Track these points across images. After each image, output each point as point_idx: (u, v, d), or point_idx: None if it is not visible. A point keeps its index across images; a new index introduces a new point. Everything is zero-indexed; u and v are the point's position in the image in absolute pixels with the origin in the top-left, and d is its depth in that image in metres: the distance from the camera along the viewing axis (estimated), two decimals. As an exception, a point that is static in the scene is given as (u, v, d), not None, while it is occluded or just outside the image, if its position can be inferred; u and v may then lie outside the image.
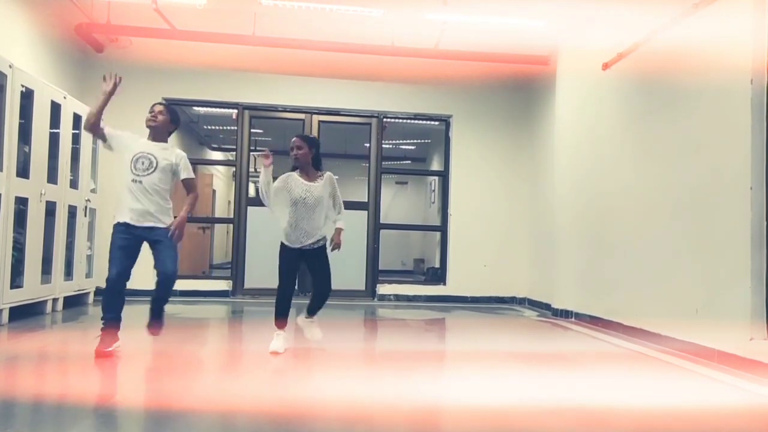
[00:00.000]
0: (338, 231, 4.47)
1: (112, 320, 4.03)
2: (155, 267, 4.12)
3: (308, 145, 4.44)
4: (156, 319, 4.23)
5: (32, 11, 6.30)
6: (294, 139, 4.47)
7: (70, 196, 6.34)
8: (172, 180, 4.23)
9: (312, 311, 4.56)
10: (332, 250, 4.41)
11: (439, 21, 6.80)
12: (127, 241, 4.04)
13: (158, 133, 4.26)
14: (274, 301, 4.34)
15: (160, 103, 4.36)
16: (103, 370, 3.79)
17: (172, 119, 4.34)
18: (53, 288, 6.00)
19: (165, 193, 4.18)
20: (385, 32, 7.31)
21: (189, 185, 4.32)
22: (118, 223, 4.06)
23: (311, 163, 4.46)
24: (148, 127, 4.26)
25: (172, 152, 4.26)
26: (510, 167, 8.61)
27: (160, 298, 4.22)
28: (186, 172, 4.27)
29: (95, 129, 4.14)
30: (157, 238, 4.08)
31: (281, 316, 4.30)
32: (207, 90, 8.11)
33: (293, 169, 4.47)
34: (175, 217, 4.15)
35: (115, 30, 7.29)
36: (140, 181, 4.07)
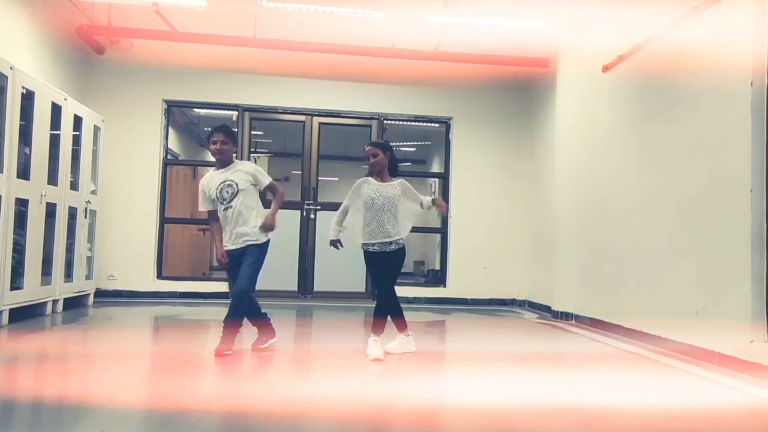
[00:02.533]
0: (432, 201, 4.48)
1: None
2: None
3: (383, 150, 4.51)
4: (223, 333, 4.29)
5: (33, 13, 6.31)
6: (367, 147, 4.54)
7: (71, 198, 6.34)
8: (256, 193, 4.36)
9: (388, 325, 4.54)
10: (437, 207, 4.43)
11: (439, 23, 6.81)
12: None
13: (226, 161, 4.38)
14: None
15: (219, 131, 4.37)
16: (103, 372, 3.79)
17: (234, 142, 4.44)
18: (53, 289, 6.00)
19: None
20: (385, 34, 7.32)
21: (272, 188, 4.45)
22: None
23: (387, 169, 4.52)
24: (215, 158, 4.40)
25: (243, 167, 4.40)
26: (510, 169, 8.62)
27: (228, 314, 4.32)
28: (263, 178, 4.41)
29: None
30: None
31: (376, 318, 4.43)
32: (207, 92, 8.13)
33: (368, 174, 4.57)
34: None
35: (116, 32, 7.30)
36: (230, 207, 4.26)
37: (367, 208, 4.40)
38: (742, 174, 4.11)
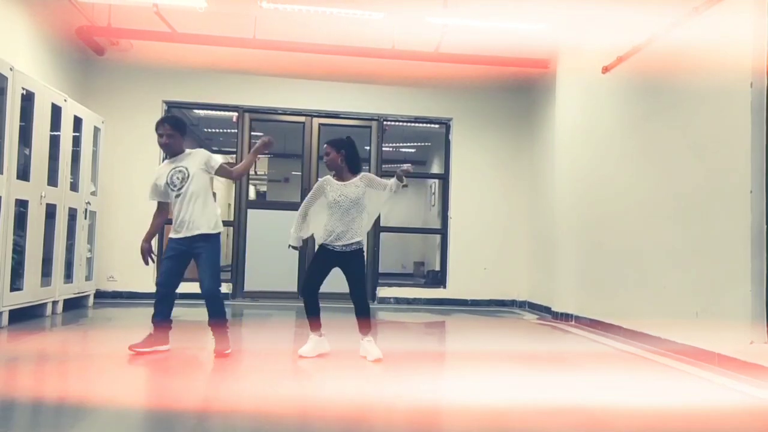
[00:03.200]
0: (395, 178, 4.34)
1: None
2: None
3: (335, 149, 4.45)
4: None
5: (33, 14, 6.31)
6: (324, 145, 4.50)
7: (71, 199, 6.35)
8: (209, 181, 4.35)
9: (360, 327, 4.37)
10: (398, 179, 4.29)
11: (439, 24, 6.81)
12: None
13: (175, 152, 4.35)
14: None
15: (164, 123, 4.33)
16: (103, 372, 3.79)
17: (182, 133, 4.39)
18: (53, 290, 6.00)
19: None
20: (385, 35, 7.32)
21: (224, 170, 4.44)
22: None
23: (346, 167, 4.45)
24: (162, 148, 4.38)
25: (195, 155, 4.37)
26: (510, 170, 8.62)
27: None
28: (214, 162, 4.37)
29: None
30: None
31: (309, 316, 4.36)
32: (207, 93, 8.13)
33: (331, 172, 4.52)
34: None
35: (116, 33, 7.31)
36: (180, 193, 4.22)
37: (332, 211, 4.33)
38: (741, 175, 4.12)
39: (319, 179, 4.50)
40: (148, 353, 4.11)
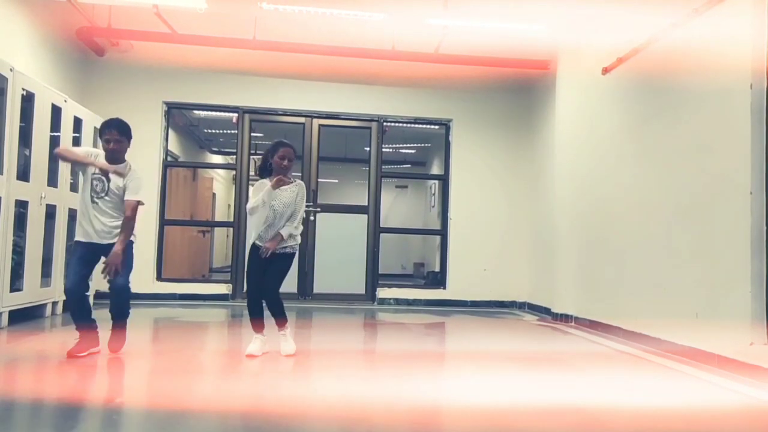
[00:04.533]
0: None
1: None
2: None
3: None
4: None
5: (33, 14, 6.31)
6: (288, 149, 4.40)
7: (71, 200, 6.34)
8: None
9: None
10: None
11: (439, 25, 6.81)
12: None
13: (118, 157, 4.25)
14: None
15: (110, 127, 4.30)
16: (103, 372, 3.78)
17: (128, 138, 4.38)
18: (53, 291, 6.00)
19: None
20: (385, 36, 7.32)
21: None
22: None
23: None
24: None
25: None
26: (510, 171, 8.62)
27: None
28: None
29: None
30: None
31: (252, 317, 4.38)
32: (207, 93, 8.13)
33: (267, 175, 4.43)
34: None
35: (116, 34, 7.31)
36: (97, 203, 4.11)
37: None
38: (741, 176, 4.12)
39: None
40: (82, 357, 4.03)
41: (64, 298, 6.24)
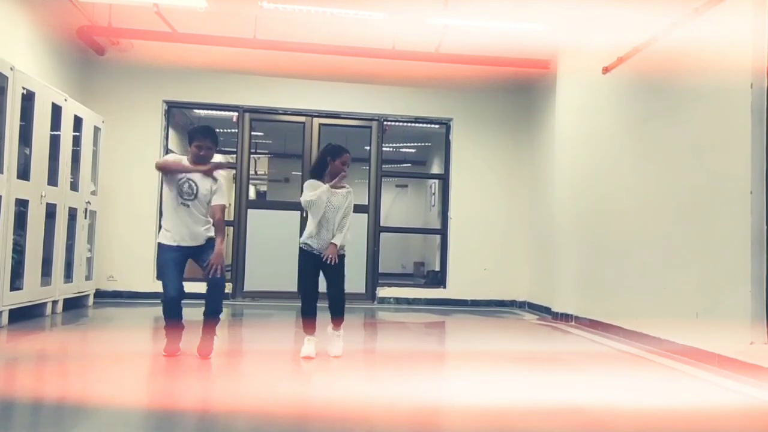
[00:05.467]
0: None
1: None
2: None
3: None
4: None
5: (34, 13, 6.31)
6: (349, 156, 4.46)
7: (71, 199, 6.35)
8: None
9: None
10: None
11: (440, 24, 6.81)
12: None
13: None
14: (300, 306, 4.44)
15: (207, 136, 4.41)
16: (103, 372, 3.79)
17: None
18: (53, 290, 6.00)
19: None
20: (386, 35, 7.32)
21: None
22: None
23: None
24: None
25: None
26: (510, 170, 8.62)
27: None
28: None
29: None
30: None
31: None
32: (207, 93, 8.13)
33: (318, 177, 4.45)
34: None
35: (117, 33, 7.31)
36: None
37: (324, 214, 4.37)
38: (741, 176, 4.12)
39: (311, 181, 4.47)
40: None
41: (64, 296, 6.25)
